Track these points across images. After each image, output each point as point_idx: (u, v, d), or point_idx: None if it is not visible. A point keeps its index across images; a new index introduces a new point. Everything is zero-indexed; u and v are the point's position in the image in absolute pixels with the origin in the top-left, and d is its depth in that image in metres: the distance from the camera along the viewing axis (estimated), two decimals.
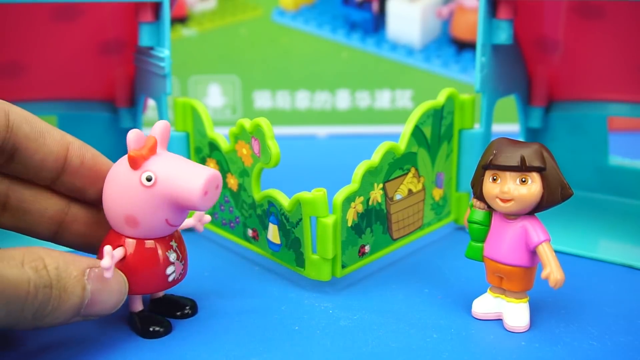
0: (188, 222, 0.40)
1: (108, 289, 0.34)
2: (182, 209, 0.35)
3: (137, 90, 0.56)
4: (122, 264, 0.36)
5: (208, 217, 0.41)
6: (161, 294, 0.40)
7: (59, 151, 0.36)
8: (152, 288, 0.37)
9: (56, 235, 0.38)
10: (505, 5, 0.47)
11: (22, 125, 0.35)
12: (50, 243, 0.39)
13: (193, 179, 0.34)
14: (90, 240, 0.39)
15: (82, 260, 0.34)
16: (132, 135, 0.35)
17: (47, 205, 0.38)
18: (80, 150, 0.37)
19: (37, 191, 0.38)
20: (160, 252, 0.36)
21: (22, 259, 0.32)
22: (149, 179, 0.34)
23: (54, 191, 0.38)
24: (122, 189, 0.35)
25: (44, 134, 0.36)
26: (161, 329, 0.37)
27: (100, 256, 0.36)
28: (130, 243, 0.36)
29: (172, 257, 0.37)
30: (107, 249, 0.34)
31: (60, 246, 0.39)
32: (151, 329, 0.37)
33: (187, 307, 0.39)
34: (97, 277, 0.34)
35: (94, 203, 0.38)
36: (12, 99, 0.54)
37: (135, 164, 0.35)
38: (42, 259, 0.32)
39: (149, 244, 0.36)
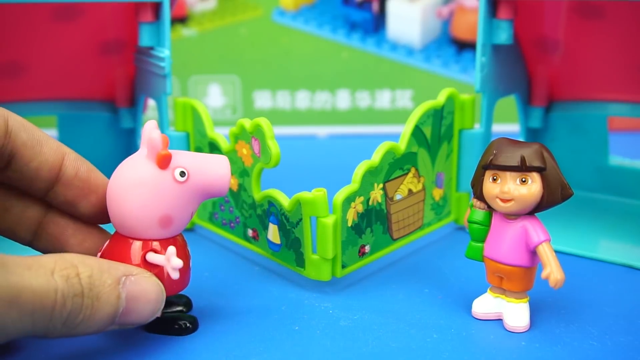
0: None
1: (145, 298, 0.34)
2: (209, 198, 0.36)
3: (137, 90, 0.56)
4: (157, 268, 0.35)
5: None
6: None
7: (54, 160, 0.36)
8: (185, 284, 0.37)
9: (34, 237, 0.38)
10: (505, 5, 0.47)
11: (20, 133, 0.35)
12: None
13: (220, 166, 0.36)
14: (62, 246, 0.38)
15: (119, 268, 0.33)
16: (157, 136, 0.34)
17: (28, 204, 0.37)
18: (75, 162, 0.37)
19: (18, 191, 0.37)
20: (186, 247, 0.37)
21: (54, 267, 0.31)
22: (182, 174, 0.35)
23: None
24: (155, 190, 0.34)
25: (41, 142, 0.36)
26: (190, 325, 0.37)
27: (121, 260, 0.35)
28: (162, 244, 0.35)
29: (189, 250, 0.37)
30: (172, 249, 0.34)
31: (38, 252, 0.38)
32: (179, 326, 0.37)
33: (181, 306, 0.39)
34: (133, 285, 0.33)
35: (86, 218, 0.38)
36: (12, 99, 0.55)
37: (167, 163, 0.35)
38: (76, 266, 0.32)
39: (177, 241, 0.36)
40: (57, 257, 0.32)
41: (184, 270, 0.36)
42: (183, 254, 0.36)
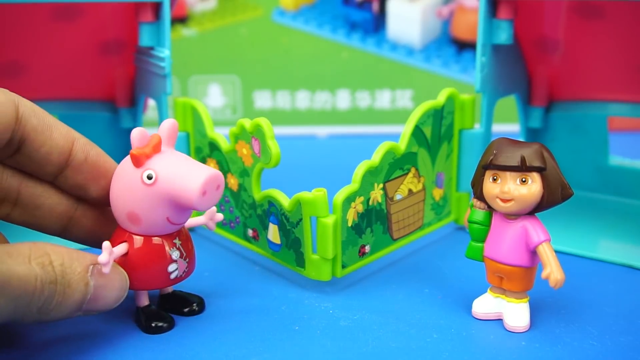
0: (198, 219, 0.40)
1: (110, 286, 0.35)
2: (182, 208, 0.35)
3: (138, 90, 0.56)
4: (124, 260, 0.36)
5: (220, 216, 0.41)
6: (170, 289, 0.40)
7: (64, 145, 0.36)
8: (154, 284, 0.37)
9: (65, 230, 0.39)
10: (505, 5, 0.47)
11: (31, 118, 0.35)
12: (58, 239, 0.39)
13: (192, 178, 0.34)
14: (98, 236, 0.39)
15: (86, 257, 0.34)
16: (136, 134, 0.35)
17: (58, 200, 0.38)
18: (84, 147, 0.37)
19: (48, 187, 0.38)
20: (161, 249, 0.37)
21: (29, 254, 0.32)
22: (149, 177, 0.35)
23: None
24: (125, 185, 0.35)
25: (51, 127, 0.36)
26: (164, 325, 0.38)
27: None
28: (133, 239, 0.36)
29: (175, 255, 0.37)
30: (106, 244, 0.35)
31: (68, 241, 0.39)
32: (153, 325, 0.37)
33: (195, 304, 0.40)
34: (100, 274, 0.34)
35: (96, 201, 0.39)
36: None
37: (137, 161, 0.35)
38: (48, 254, 0.33)
39: (151, 241, 0.36)
40: (31, 245, 0.33)
41: (160, 269, 0.37)
42: (161, 253, 0.36)
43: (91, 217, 0.39)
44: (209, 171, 0.35)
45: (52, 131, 0.36)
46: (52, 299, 0.32)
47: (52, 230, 0.39)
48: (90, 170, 0.37)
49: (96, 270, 0.34)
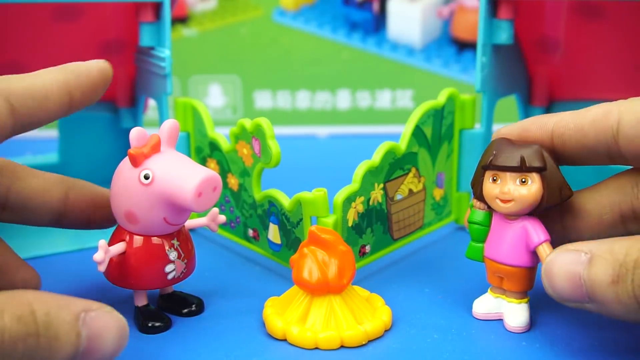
0: (200, 221, 0.40)
1: (106, 335, 0.30)
2: (179, 208, 0.35)
3: (138, 90, 0.56)
4: (121, 259, 0.36)
5: (223, 218, 0.41)
6: (170, 289, 0.40)
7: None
8: (151, 285, 0.37)
9: (57, 222, 0.39)
10: (505, 5, 0.47)
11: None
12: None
13: (187, 179, 0.34)
14: (92, 219, 0.40)
15: (77, 303, 0.30)
16: (134, 133, 0.35)
17: (46, 199, 0.38)
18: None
19: (35, 188, 0.38)
20: (159, 249, 0.37)
21: (3, 307, 0.28)
22: (146, 177, 0.35)
23: (51, 185, 0.39)
24: (123, 185, 0.35)
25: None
26: (161, 325, 0.38)
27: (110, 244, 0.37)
28: (130, 238, 0.36)
29: (173, 255, 0.37)
30: (101, 243, 0.35)
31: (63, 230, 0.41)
32: (150, 324, 0.37)
33: (194, 305, 0.40)
34: (94, 321, 0.30)
35: (103, 225, 0.40)
36: None
37: (135, 161, 0.35)
38: (30, 304, 0.28)
39: (148, 240, 0.36)
40: (12, 295, 0.29)
41: (157, 269, 0.37)
42: (158, 253, 0.37)
43: (82, 206, 0.40)
44: (205, 172, 0.34)
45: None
46: (34, 355, 0.28)
47: (44, 224, 0.39)
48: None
49: (89, 318, 0.29)
